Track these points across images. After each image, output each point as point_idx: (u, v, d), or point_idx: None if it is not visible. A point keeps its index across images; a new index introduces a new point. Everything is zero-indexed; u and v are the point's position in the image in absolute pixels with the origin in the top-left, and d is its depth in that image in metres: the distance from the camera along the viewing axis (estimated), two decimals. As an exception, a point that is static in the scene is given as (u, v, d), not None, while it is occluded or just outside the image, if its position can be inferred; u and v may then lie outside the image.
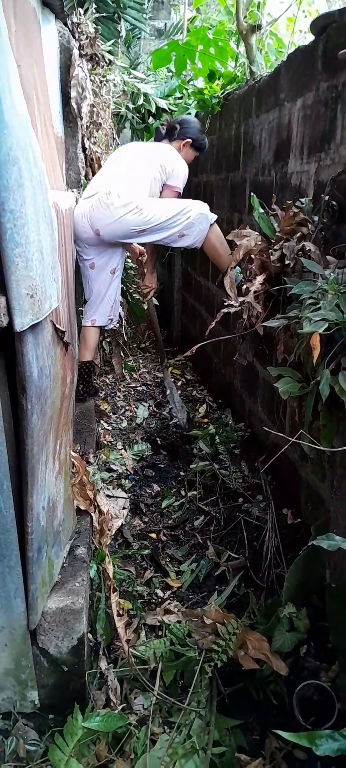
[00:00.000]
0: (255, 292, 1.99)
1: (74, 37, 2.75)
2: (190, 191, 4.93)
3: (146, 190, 3.08)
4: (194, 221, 3.07)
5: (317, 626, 1.96)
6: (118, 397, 4.29)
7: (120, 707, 1.80)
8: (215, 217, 3.17)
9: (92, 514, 2.16)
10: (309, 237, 1.94)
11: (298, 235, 1.95)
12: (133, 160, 3.10)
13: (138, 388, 4.54)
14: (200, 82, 4.53)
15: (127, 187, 2.97)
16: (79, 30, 2.82)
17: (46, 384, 1.40)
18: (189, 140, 3.36)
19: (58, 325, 1.51)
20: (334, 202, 1.96)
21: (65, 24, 2.62)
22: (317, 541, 1.38)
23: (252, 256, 2.11)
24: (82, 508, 2.12)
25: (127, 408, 4.11)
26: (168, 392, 3.76)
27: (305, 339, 1.58)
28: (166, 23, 6.97)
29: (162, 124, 3.57)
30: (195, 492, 3.08)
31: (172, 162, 3.19)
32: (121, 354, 4.28)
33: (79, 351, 3.29)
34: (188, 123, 3.43)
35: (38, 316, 1.28)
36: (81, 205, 3.03)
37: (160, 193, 3.22)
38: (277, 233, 2.06)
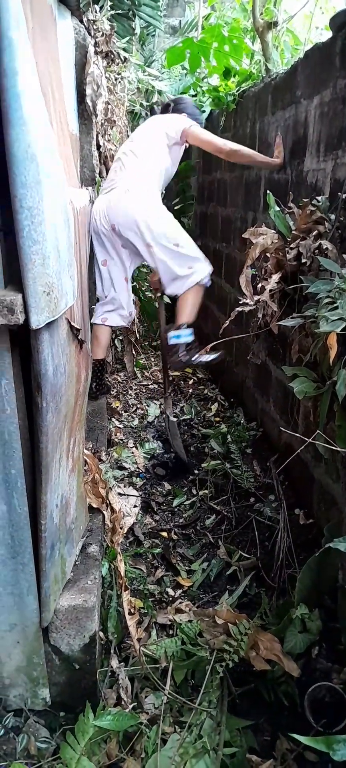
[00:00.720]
0: (271, 290, 1.98)
1: (90, 34, 2.74)
2: (204, 189, 4.92)
3: (161, 180, 3.13)
4: (194, 273, 3.09)
5: (329, 627, 1.94)
6: (130, 395, 4.30)
7: (131, 706, 1.79)
8: (209, 283, 3.23)
9: (104, 512, 2.16)
10: (326, 235, 1.92)
11: (314, 233, 1.94)
12: (147, 147, 3.09)
13: (149, 386, 4.54)
14: (215, 80, 4.51)
15: (146, 188, 3.00)
16: (94, 27, 2.81)
17: (61, 382, 1.40)
18: (184, 114, 3.31)
19: (73, 323, 1.51)
20: (351, 201, 1.94)
21: (81, 21, 2.61)
22: (334, 543, 1.36)
23: (268, 254, 2.09)
24: (94, 505, 2.12)
25: (138, 406, 4.11)
26: (170, 426, 3.44)
27: (321, 338, 1.57)
28: (180, 20, 6.95)
29: (157, 105, 3.62)
30: (206, 491, 3.07)
31: (170, 122, 3.17)
32: (133, 352, 4.28)
33: (92, 349, 3.29)
34: (181, 99, 3.46)
35: (54, 314, 1.27)
36: (99, 200, 3.05)
37: (174, 152, 3.22)
38: (293, 231, 2.04)
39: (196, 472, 3.28)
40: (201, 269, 3.12)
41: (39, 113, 1.18)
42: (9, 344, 1.30)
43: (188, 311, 3.10)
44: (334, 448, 1.58)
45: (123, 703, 1.79)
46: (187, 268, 3.07)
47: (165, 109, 3.39)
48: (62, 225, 1.33)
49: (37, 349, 1.27)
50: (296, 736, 1.10)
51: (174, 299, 3.34)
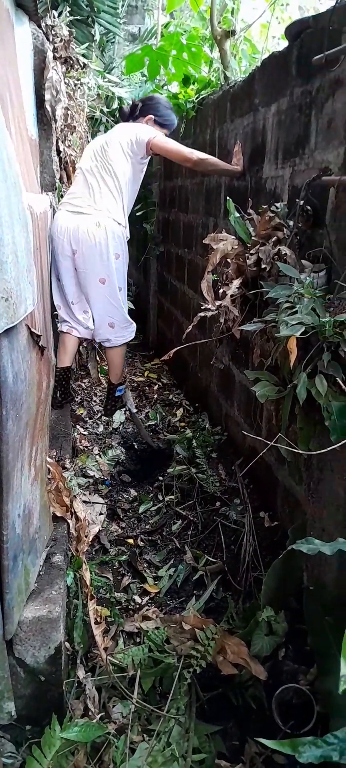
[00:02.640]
0: (232, 295, 2.00)
1: (48, 39, 2.72)
2: (165, 195, 4.94)
3: (127, 199, 3.15)
4: (127, 322, 3.27)
5: (294, 629, 1.97)
6: (94, 401, 4.26)
7: (98, 716, 1.77)
8: (133, 336, 3.42)
9: (69, 521, 2.13)
10: (285, 241, 1.95)
11: (273, 239, 1.97)
12: (115, 167, 3.05)
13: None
14: (174, 87, 4.53)
15: (115, 224, 3.03)
16: (53, 32, 2.79)
17: (21, 389, 1.38)
18: (151, 116, 3.25)
19: (33, 329, 1.49)
20: (309, 207, 1.97)
21: (39, 26, 2.59)
22: (296, 545, 1.38)
23: (228, 260, 2.11)
24: (58, 514, 2.09)
25: (103, 412, 4.08)
26: (133, 412, 3.65)
27: (282, 343, 1.59)
28: (140, 28, 6.98)
29: (128, 104, 3.52)
30: (172, 496, 3.07)
31: (134, 135, 3.08)
32: (97, 358, 4.25)
33: (58, 356, 3.28)
34: (150, 99, 3.36)
35: (13, 320, 1.25)
36: (66, 217, 3.00)
37: (139, 165, 3.19)
38: (253, 237, 2.07)
39: (160, 478, 3.27)
40: (131, 330, 3.35)
41: (-5, 117, 1.16)
42: (-33, 352, 1.27)
43: (119, 366, 3.43)
44: (296, 450, 1.60)
45: (90, 713, 1.77)
46: (124, 319, 3.25)
47: (133, 110, 3.30)
48: (21, 229, 1.32)
49: (-4, 356, 1.25)
50: (262, 740, 1.10)
51: (139, 306, 3.38)
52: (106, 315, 3.14)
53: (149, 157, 3.20)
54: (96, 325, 3.20)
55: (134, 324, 3.37)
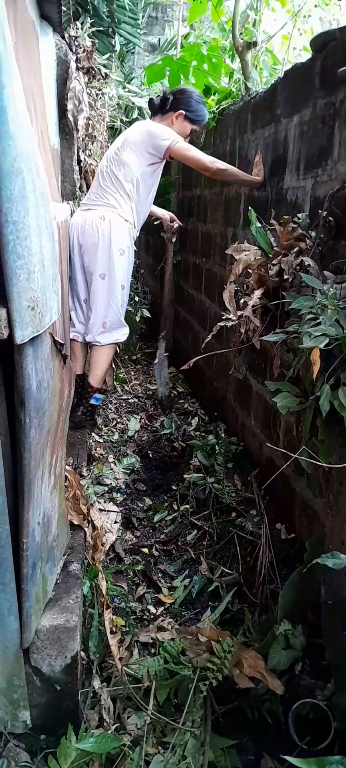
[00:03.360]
0: (253, 306, 1.99)
1: (71, 50, 2.75)
2: (184, 204, 4.95)
3: (138, 198, 3.12)
4: (121, 324, 3.17)
5: (312, 643, 1.94)
6: (110, 409, 4.27)
7: (113, 727, 1.76)
8: (122, 340, 3.32)
9: (86, 529, 2.13)
10: (307, 252, 1.94)
11: (296, 250, 1.96)
12: (128, 167, 3.05)
13: (129, 401, 4.52)
14: (194, 98, 4.55)
15: (120, 219, 3.01)
16: (76, 43, 2.82)
17: (44, 397, 1.38)
18: (182, 112, 3.20)
19: (56, 338, 1.49)
20: (331, 218, 1.96)
21: (62, 37, 2.61)
22: (321, 560, 1.37)
23: (250, 270, 2.11)
24: (75, 522, 2.09)
25: (118, 420, 4.09)
26: (156, 361, 3.62)
27: (304, 354, 1.58)
28: (160, 39, 7.03)
29: (157, 95, 3.36)
30: (187, 506, 3.06)
31: (155, 137, 3.02)
32: (113, 366, 4.26)
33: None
34: (182, 92, 3.25)
35: (39, 329, 1.26)
36: (77, 214, 3.05)
37: (154, 167, 3.16)
38: (275, 248, 2.06)
39: (174, 488, 3.26)
40: (123, 332, 3.24)
41: (25, 127, 1.17)
42: (-9, 359, 1.28)
43: (101, 371, 3.24)
44: (318, 463, 1.59)
45: (105, 724, 1.76)
46: (119, 321, 3.15)
47: (163, 103, 3.21)
48: (47, 239, 1.32)
49: (21, 364, 1.25)
50: (288, 758, 1.09)
51: (155, 315, 3.36)
52: (103, 315, 3.06)
53: (164, 161, 3.18)
54: (91, 322, 3.09)
55: (127, 327, 3.25)
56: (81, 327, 3.25)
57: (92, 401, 3.21)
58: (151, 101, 3.32)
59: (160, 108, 3.23)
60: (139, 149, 3.04)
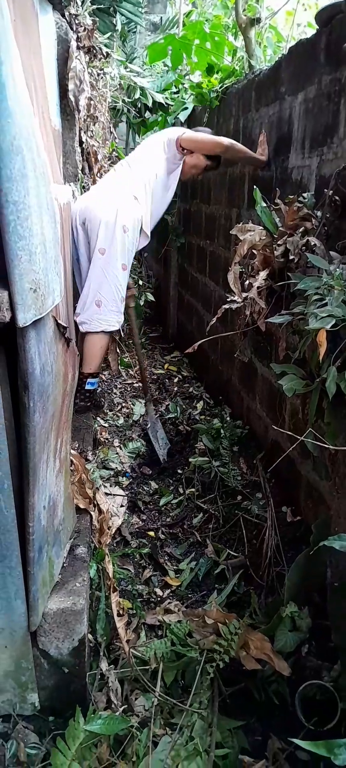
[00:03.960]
0: (258, 287, 1.97)
1: (72, 28, 2.69)
2: (187, 186, 4.90)
3: (150, 190, 3.08)
4: (116, 307, 2.96)
5: (318, 625, 1.95)
6: (115, 393, 4.26)
7: (121, 709, 1.77)
8: (115, 329, 3.09)
9: (92, 513, 2.13)
10: (313, 232, 1.91)
11: (301, 230, 1.93)
12: (142, 159, 3.09)
13: (134, 385, 4.51)
14: (197, 77, 4.50)
15: (127, 197, 2.96)
16: (76, 21, 2.76)
17: (48, 381, 1.37)
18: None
19: (59, 321, 1.48)
20: (337, 197, 1.93)
21: (63, 15, 2.57)
22: (328, 542, 1.36)
23: (255, 251, 2.08)
24: (81, 506, 2.09)
25: (123, 404, 4.08)
26: (149, 425, 3.48)
27: (310, 335, 1.56)
28: (161, 17, 6.92)
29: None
30: (193, 489, 3.06)
31: (168, 132, 3.14)
32: (117, 350, 4.24)
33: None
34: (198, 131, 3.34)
35: (41, 312, 1.24)
36: (81, 197, 3.01)
37: (172, 168, 3.16)
38: (280, 228, 2.03)
39: (179, 472, 3.26)
40: (117, 320, 3.02)
41: (24, 105, 1.15)
42: (-6, 343, 1.26)
43: (95, 357, 3.05)
44: (325, 445, 1.57)
45: (113, 706, 1.77)
46: (114, 302, 2.95)
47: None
48: (48, 220, 1.30)
49: (24, 347, 1.24)
50: (296, 740, 1.08)
51: (159, 299, 3.31)
52: (96, 290, 2.89)
53: (180, 166, 3.17)
54: (81, 298, 2.93)
55: (122, 315, 3.06)
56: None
57: (87, 386, 3.07)
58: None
59: None
60: (156, 148, 3.10)
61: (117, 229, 2.88)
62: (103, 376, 4.45)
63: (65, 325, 1.53)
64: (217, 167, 3.39)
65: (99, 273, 2.87)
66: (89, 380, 3.05)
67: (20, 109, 1.11)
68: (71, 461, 2.08)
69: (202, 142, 3.08)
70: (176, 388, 4.49)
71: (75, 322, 3.07)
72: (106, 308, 2.91)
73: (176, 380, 4.68)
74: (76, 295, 3.03)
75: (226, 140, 2.98)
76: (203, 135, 3.11)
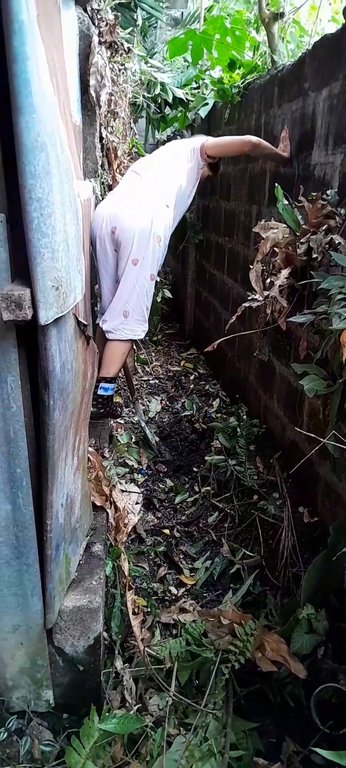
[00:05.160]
0: (280, 286, 1.94)
1: (94, 23, 2.68)
2: (206, 182, 4.87)
3: (175, 196, 2.99)
4: (143, 318, 2.89)
5: (334, 627, 1.92)
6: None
7: (135, 708, 1.77)
8: (141, 338, 3.03)
9: (108, 511, 2.13)
10: (336, 230, 1.88)
11: (324, 227, 1.90)
12: (167, 162, 3.03)
13: (150, 382, 4.51)
14: (217, 72, 4.46)
15: (157, 204, 2.85)
16: (98, 16, 2.75)
17: (68, 379, 1.36)
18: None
19: (80, 318, 1.47)
20: (361, 196, 1.90)
21: (85, 10, 2.56)
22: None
23: (277, 249, 2.05)
24: (98, 504, 2.09)
25: (139, 401, 4.07)
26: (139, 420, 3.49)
27: (333, 335, 1.54)
28: (182, 12, 6.88)
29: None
30: (208, 488, 3.04)
31: (193, 139, 3.12)
32: (134, 347, 4.24)
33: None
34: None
35: (63, 310, 1.24)
36: (106, 203, 2.87)
37: (192, 172, 3.11)
38: (303, 226, 2.00)
39: (195, 470, 3.25)
40: (143, 329, 2.95)
41: (49, 101, 1.14)
42: (15, 340, 1.26)
43: (115, 362, 2.93)
44: (346, 447, 1.55)
45: (127, 704, 1.77)
46: (141, 313, 2.88)
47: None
48: (71, 218, 1.30)
49: (45, 345, 1.23)
50: (318, 750, 1.07)
51: (176, 295, 3.27)
52: (125, 300, 2.81)
53: (201, 170, 3.13)
54: (110, 307, 2.85)
55: (147, 324, 2.98)
56: None
57: (100, 391, 2.89)
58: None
59: None
60: (182, 157, 3.04)
61: (151, 239, 2.78)
62: (119, 373, 4.45)
63: (85, 322, 1.52)
64: (215, 176, 3.39)
65: (130, 284, 2.80)
66: (102, 385, 2.89)
67: (45, 105, 1.10)
68: (88, 458, 2.07)
69: (229, 145, 3.06)
70: (192, 386, 4.47)
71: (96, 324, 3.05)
72: (133, 318, 2.84)
73: (192, 377, 4.66)
74: (91, 293, 3.00)
75: (253, 138, 2.93)
76: (228, 138, 3.10)
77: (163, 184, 2.92)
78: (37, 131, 1.07)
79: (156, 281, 2.98)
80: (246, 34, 4.15)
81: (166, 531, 2.76)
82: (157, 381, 4.55)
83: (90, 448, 2.10)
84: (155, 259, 2.83)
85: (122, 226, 2.73)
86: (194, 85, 4.72)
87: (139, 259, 2.75)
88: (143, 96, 4.41)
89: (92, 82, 2.59)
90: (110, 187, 3.47)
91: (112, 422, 3.43)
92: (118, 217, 2.75)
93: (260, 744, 1.74)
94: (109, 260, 2.88)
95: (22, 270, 1.19)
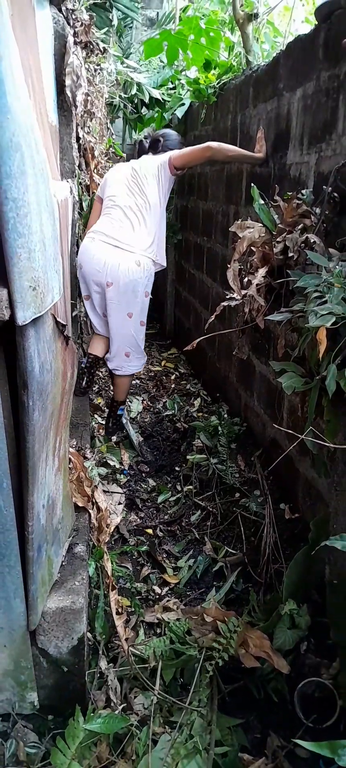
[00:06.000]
0: (257, 284, 1.96)
1: (69, 23, 2.67)
2: (184, 182, 4.89)
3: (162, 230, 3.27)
4: (141, 354, 3.32)
5: (316, 622, 1.95)
6: (112, 391, 4.24)
7: (120, 707, 1.77)
8: (140, 369, 3.54)
9: (90, 511, 2.13)
10: (312, 229, 1.91)
11: (300, 227, 1.92)
12: (150, 203, 3.13)
13: (132, 382, 4.50)
14: (193, 72, 4.48)
15: (151, 262, 3.13)
16: (73, 17, 2.74)
17: (47, 379, 1.36)
18: (170, 150, 3.29)
19: (58, 319, 1.47)
20: (336, 194, 1.93)
21: (60, 10, 2.55)
22: (330, 542, 1.35)
23: (254, 248, 2.07)
24: (80, 504, 2.08)
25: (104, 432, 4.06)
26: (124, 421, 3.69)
27: (310, 333, 1.56)
28: (158, 12, 6.89)
29: (145, 137, 3.69)
30: (191, 487, 3.05)
31: (160, 165, 3.18)
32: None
33: (91, 344, 3.39)
34: (169, 136, 3.45)
35: (40, 310, 1.23)
36: (102, 248, 3.04)
37: (168, 188, 3.25)
38: (279, 225, 2.02)
39: (177, 469, 3.26)
40: (142, 362, 3.42)
41: (23, 101, 1.13)
42: (-7, 341, 1.25)
43: (125, 391, 3.45)
44: (324, 444, 1.57)
45: (112, 704, 1.77)
46: (140, 350, 3.30)
47: (154, 143, 3.40)
48: (47, 217, 1.29)
49: (23, 345, 1.23)
50: (300, 742, 1.08)
51: (156, 295, 3.31)
52: (125, 345, 3.21)
53: (173, 177, 3.24)
54: (113, 352, 3.25)
55: (145, 357, 3.46)
56: (102, 329, 3.31)
57: (119, 413, 3.47)
58: (141, 143, 3.54)
59: (151, 148, 3.42)
60: (158, 180, 3.16)
61: (142, 295, 3.13)
62: (100, 373, 4.44)
63: (64, 323, 1.52)
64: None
65: (128, 333, 3.17)
66: (121, 407, 3.47)
67: (19, 106, 1.10)
68: (70, 459, 2.07)
69: (191, 154, 3.13)
70: (173, 386, 4.48)
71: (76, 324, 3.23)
72: (134, 356, 3.27)
73: (173, 377, 4.67)
74: (72, 294, 3.06)
75: (213, 144, 3.00)
76: (189, 149, 3.16)
77: (149, 239, 3.14)
78: (12, 131, 1.07)
79: None
80: (220, 35, 4.17)
81: (149, 531, 2.77)
82: (138, 381, 4.55)
83: (71, 449, 2.09)
84: (145, 309, 3.22)
85: (119, 285, 3.04)
86: (171, 85, 4.74)
87: (134, 312, 3.14)
88: (120, 96, 4.40)
89: (68, 82, 2.58)
90: (88, 188, 3.47)
91: (93, 423, 3.42)
92: (114, 273, 3.03)
93: (245, 740, 1.75)
94: (101, 299, 3.17)
95: (-1, 271, 1.19)
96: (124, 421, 3.58)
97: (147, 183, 3.13)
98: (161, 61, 5.08)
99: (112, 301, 3.08)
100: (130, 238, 3.08)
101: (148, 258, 3.11)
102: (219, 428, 3.27)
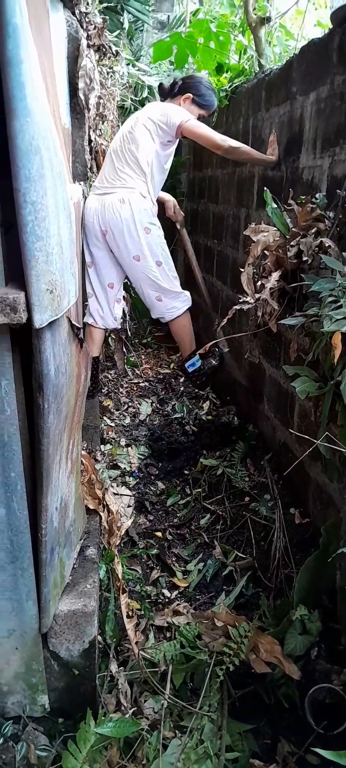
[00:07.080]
0: (271, 288, 1.95)
1: (82, 26, 2.68)
2: (194, 185, 4.89)
3: (155, 181, 3.10)
4: (174, 293, 3.13)
5: (327, 628, 1.94)
6: (121, 393, 4.26)
7: (131, 711, 1.77)
8: (189, 304, 3.27)
9: (101, 514, 2.13)
10: (326, 233, 1.90)
11: (314, 230, 1.92)
12: (142, 147, 3.02)
13: (141, 384, 4.50)
14: (203, 76, 4.46)
15: (141, 199, 2.98)
16: (87, 20, 2.75)
17: (62, 382, 1.36)
18: (189, 95, 3.19)
19: (73, 321, 1.47)
20: (350, 198, 1.92)
21: (73, 13, 2.56)
22: (342, 548, 1.34)
23: (267, 252, 2.06)
24: (91, 507, 2.09)
25: (129, 404, 4.07)
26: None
27: (324, 338, 1.55)
28: (169, 15, 6.89)
29: (148, 99, 3.59)
30: (200, 490, 3.04)
31: (166, 116, 3.04)
32: (124, 350, 4.24)
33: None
34: (191, 77, 3.30)
35: (57, 313, 1.24)
36: (92, 199, 3.01)
37: (167, 147, 3.14)
38: (292, 229, 2.02)
39: (186, 472, 3.25)
40: (182, 300, 3.19)
41: (42, 104, 1.14)
42: (10, 344, 1.26)
43: (188, 341, 3.28)
44: (339, 449, 1.56)
45: (123, 708, 1.76)
46: (170, 290, 3.11)
47: (172, 87, 3.24)
48: (65, 220, 1.30)
49: (39, 348, 1.23)
50: (319, 751, 1.07)
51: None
52: (149, 290, 3.08)
53: (177, 140, 3.15)
54: (146, 303, 3.15)
55: (186, 293, 3.24)
56: (97, 314, 3.25)
57: (190, 370, 3.28)
58: (161, 85, 3.36)
59: (169, 92, 3.26)
60: (153, 128, 3.03)
61: (140, 233, 2.96)
62: (109, 375, 4.45)
63: (79, 325, 1.52)
64: None
65: (144, 277, 3.03)
66: (189, 363, 3.26)
67: (38, 108, 1.10)
68: (81, 461, 2.07)
69: (203, 137, 2.99)
70: (182, 388, 4.47)
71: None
72: (167, 298, 3.10)
73: (182, 380, 4.67)
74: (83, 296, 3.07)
75: (229, 142, 2.91)
76: (205, 129, 3.00)
77: (136, 177, 3.00)
78: (32, 134, 1.07)
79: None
80: (230, 39, 4.17)
81: (159, 534, 2.76)
82: (147, 383, 4.55)
83: (83, 451, 2.09)
84: (154, 248, 3.01)
85: (111, 230, 2.92)
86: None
87: (139, 253, 2.96)
88: (131, 99, 4.41)
89: (81, 85, 2.59)
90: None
91: (102, 425, 3.43)
92: (104, 220, 2.92)
93: (255, 745, 1.75)
94: (105, 254, 3.06)
95: (17, 273, 1.19)
96: (205, 366, 3.42)
97: (139, 130, 3.04)
98: (171, 64, 5.08)
99: (115, 250, 3.00)
100: (114, 180, 3.01)
101: (137, 193, 2.99)
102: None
